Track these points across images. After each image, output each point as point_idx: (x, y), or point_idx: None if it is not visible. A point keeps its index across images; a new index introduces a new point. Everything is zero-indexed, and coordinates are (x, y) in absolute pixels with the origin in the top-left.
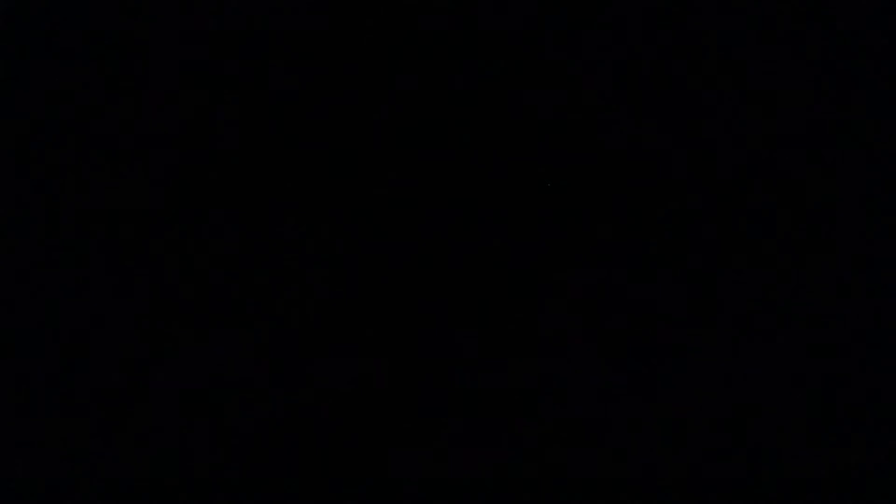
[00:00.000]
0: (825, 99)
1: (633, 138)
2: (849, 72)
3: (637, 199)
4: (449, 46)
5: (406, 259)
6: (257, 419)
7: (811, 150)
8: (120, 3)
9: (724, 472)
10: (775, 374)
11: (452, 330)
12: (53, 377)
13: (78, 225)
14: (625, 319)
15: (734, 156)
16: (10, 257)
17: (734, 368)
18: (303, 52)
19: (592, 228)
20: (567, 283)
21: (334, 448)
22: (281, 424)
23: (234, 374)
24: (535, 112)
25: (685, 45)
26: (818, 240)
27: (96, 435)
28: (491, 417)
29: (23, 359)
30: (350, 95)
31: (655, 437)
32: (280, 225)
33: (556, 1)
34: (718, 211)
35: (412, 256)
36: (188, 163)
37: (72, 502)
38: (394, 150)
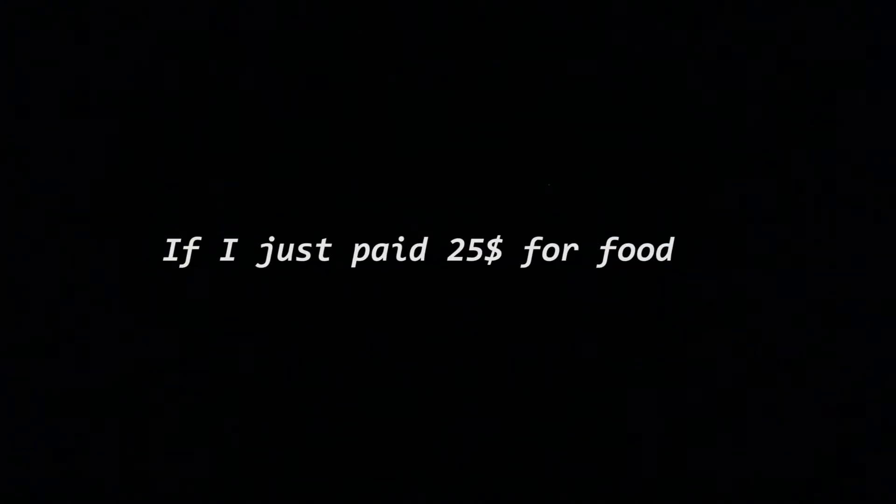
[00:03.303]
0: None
1: (633, 139)
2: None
3: (637, 196)
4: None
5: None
6: (256, 420)
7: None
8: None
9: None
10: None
11: (451, 329)
12: (50, 377)
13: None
14: (624, 318)
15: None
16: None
17: (736, 370)
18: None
19: (591, 227)
20: (567, 281)
21: (332, 448)
22: (280, 425)
23: (232, 374)
24: (534, 112)
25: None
26: (817, 239)
27: (94, 435)
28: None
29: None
30: (347, 95)
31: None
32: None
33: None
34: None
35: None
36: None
37: (71, 502)
38: (391, 149)
